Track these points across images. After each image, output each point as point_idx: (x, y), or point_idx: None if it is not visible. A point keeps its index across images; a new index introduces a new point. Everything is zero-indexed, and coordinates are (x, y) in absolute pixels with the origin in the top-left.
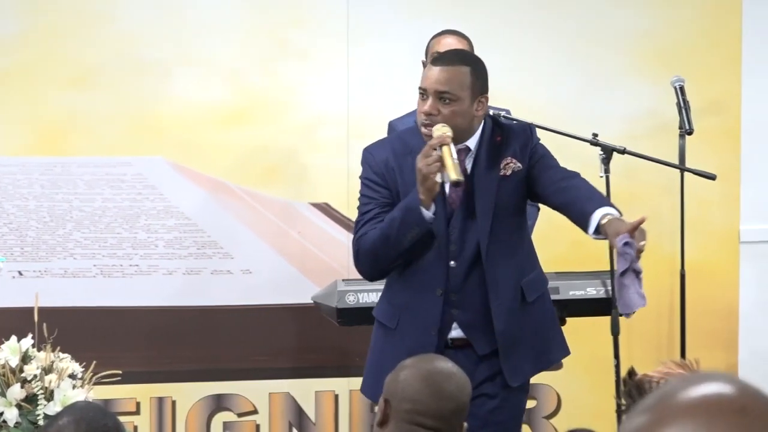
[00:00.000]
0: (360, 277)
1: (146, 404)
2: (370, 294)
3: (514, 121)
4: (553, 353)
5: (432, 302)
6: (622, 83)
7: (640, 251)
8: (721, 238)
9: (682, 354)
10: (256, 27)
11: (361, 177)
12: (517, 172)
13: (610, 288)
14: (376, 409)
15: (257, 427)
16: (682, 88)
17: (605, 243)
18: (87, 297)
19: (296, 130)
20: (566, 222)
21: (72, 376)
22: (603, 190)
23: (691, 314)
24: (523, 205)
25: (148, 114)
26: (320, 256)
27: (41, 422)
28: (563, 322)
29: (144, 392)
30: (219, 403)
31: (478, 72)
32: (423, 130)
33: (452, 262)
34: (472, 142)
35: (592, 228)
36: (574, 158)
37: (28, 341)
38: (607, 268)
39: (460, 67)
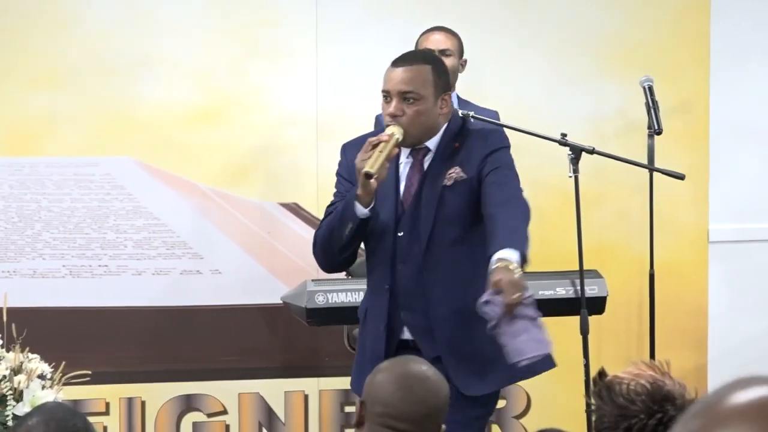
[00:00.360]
0: (329, 276)
1: (116, 405)
2: (340, 294)
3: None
4: (535, 365)
5: (383, 302)
6: (591, 83)
7: (509, 305)
8: (690, 238)
9: (652, 354)
10: (225, 27)
11: (336, 171)
12: (462, 182)
13: (579, 288)
14: (348, 409)
15: (227, 427)
16: (650, 88)
17: (575, 243)
18: (56, 297)
19: (265, 130)
20: (535, 222)
21: (41, 377)
22: (572, 190)
23: (661, 314)
24: (468, 215)
25: (117, 114)
26: (289, 256)
27: (10, 423)
28: None
29: (113, 393)
30: (189, 403)
31: (439, 70)
32: None
33: (400, 265)
34: (432, 143)
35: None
36: (543, 158)
37: None
38: (577, 268)
39: (421, 65)
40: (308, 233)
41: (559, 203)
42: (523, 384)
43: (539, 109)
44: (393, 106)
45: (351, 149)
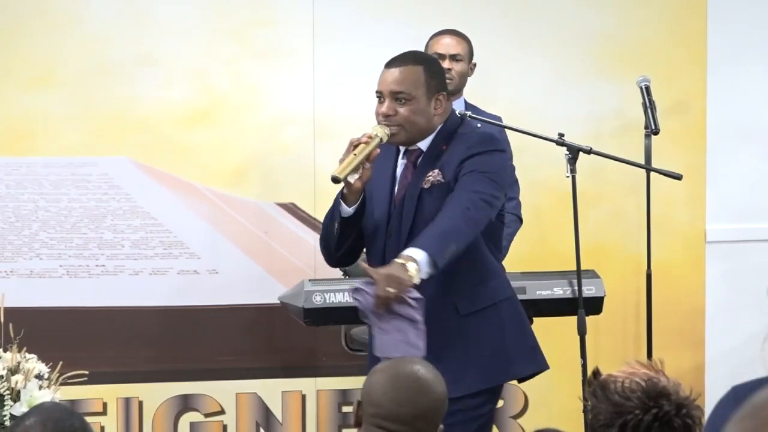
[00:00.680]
0: (326, 276)
1: (113, 405)
2: (337, 294)
3: (479, 125)
4: (516, 366)
5: None
6: (588, 83)
7: (380, 297)
8: (687, 238)
9: (649, 354)
10: (222, 27)
11: None
12: (438, 186)
13: (576, 288)
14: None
15: (224, 427)
16: (647, 88)
17: (572, 243)
18: (53, 297)
19: (262, 130)
20: (532, 222)
21: (38, 377)
22: (569, 190)
23: (658, 314)
24: None
25: (114, 114)
26: (287, 256)
27: (7, 423)
28: (530, 322)
29: (111, 393)
30: (186, 403)
31: (432, 70)
32: None
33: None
34: (425, 144)
35: None
36: (540, 158)
37: None
38: (574, 267)
39: (412, 66)
40: (305, 233)
41: (556, 203)
42: (521, 384)
43: (536, 109)
44: (385, 106)
45: None
